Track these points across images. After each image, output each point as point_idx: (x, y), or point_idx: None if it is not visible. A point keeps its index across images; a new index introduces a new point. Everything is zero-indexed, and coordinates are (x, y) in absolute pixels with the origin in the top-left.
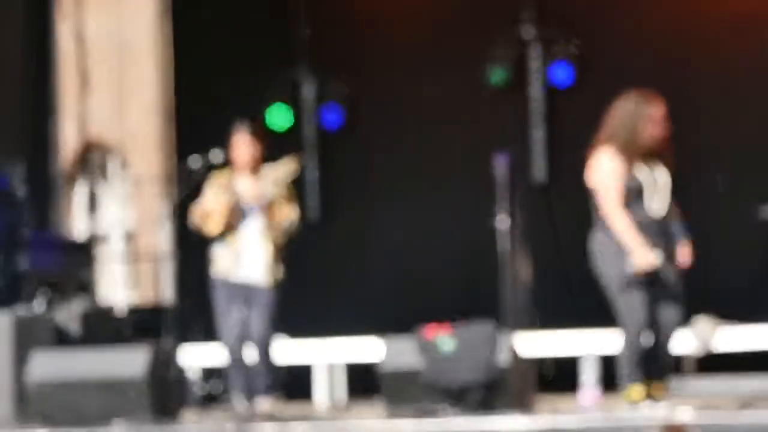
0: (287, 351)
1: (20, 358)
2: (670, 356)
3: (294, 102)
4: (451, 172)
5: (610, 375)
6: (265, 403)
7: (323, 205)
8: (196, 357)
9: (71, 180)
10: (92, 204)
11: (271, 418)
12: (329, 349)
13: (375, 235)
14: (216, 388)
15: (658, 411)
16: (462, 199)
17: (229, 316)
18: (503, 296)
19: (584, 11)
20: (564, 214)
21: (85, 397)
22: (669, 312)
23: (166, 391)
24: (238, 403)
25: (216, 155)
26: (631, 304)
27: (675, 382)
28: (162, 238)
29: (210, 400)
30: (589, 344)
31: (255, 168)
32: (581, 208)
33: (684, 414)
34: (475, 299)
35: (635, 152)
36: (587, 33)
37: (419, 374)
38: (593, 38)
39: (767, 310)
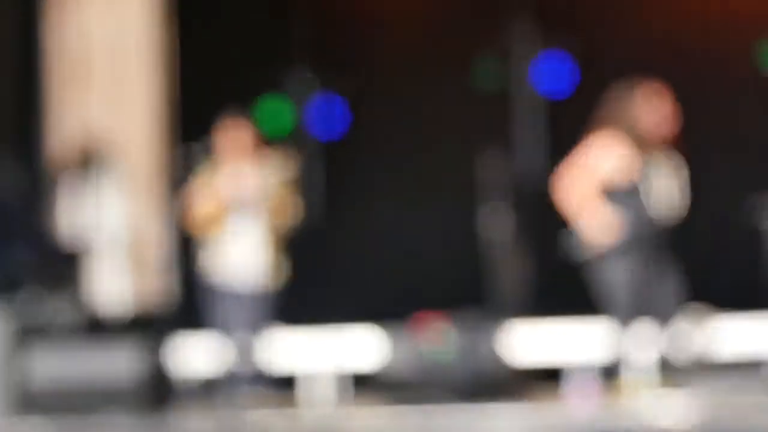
0: (279, 346)
1: (16, 355)
2: (664, 349)
3: (293, 100)
4: (448, 169)
5: (605, 368)
6: (256, 399)
7: (322, 204)
8: (190, 354)
9: (66, 178)
10: (88, 202)
11: (262, 415)
12: (321, 347)
13: (373, 233)
14: (209, 383)
15: (653, 404)
16: (457, 194)
17: (222, 310)
18: (498, 291)
19: (581, 10)
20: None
21: (79, 395)
22: (664, 306)
23: (160, 387)
24: (230, 398)
25: (208, 149)
26: (622, 300)
27: (668, 375)
28: (157, 235)
29: (202, 395)
30: (583, 338)
31: (245, 162)
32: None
33: (678, 407)
34: (470, 293)
35: (632, 139)
36: (583, 32)
37: (413, 364)
38: (589, 37)
39: (756, 303)
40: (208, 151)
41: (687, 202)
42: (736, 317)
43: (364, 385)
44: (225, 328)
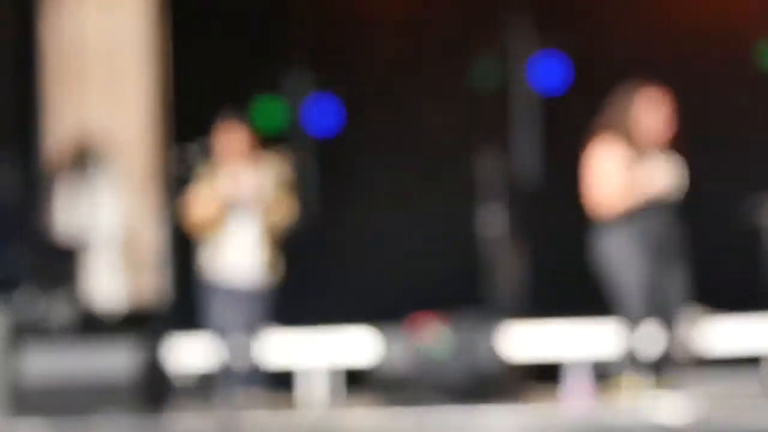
0: (276, 346)
1: (12, 354)
2: (666, 350)
3: (287, 99)
4: (442, 166)
5: (600, 368)
6: (253, 398)
7: (318, 203)
8: (186, 353)
9: (62, 178)
10: (83, 201)
11: (258, 414)
12: (317, 344)
13: (369, 233)
14: (204, 383)
15: (649, 403)
16: (454, 193)
17: (219, 310)
18: (495, 290)
19: (576, 8)
20: (554, 206)
21: (75, 395)
22: (669, 305)
23: (155, 386)
24: (226, 398)
25: (205, 149)
26: (632, 297)
27: (665, 374)
28: (152, 235)
29: (198, 395)
30: (580, 337)
31: (244, 160)
32: (572, 204)
33: (675, 407)
34: (467, 293)
35: (630, 143)
36: (579, 30)
37: (409, 366)
38: (585, 35)
39: (754, 303)
40: (204, 152)
41: (685, 202)
42: (733, 317)
43: (359, 383)
44: (221, 326)
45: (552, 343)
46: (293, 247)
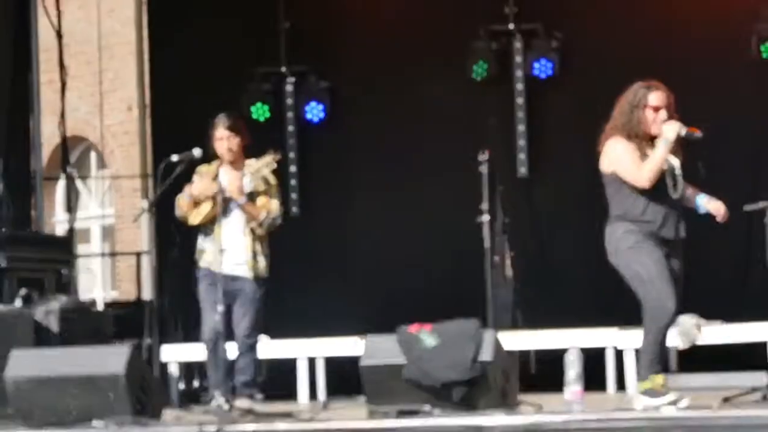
0: (269, 347)
1: None
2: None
3: (273, 97)
4: (432, 167)
5: (594, 372)
6: (245, 401)
7: (303, 200)
8: (176, 354)
9: (50, 176)
10: (71, 200)
11: (251, 415)
12: (310, 346)
13: (356, 231)
14: (196, 385)
15: (645, 402)
16: (444, 195)
17: (211, 311)
18: (486, 292)
19: (565, 4)
20: (546, 208)
21: (65, 395)
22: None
23: (147, 388)
24: (219, 400)
25: (196, 152)
26: (659, 295)
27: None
28: (142, 235)
29: (190, 397)
30: (573, 340)
31: (235, 162)
32: (563, 202)
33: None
34: (458, 295)
35: (638, 141)
36: (569, 26)
37: (401, 371)
38: (575, 31)
39: (749, 309)
40: (192, 154)
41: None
42: (728, 317)
43: (345, 382)
44: (213, 328)
45: (544, 346)
46: (285, 260)
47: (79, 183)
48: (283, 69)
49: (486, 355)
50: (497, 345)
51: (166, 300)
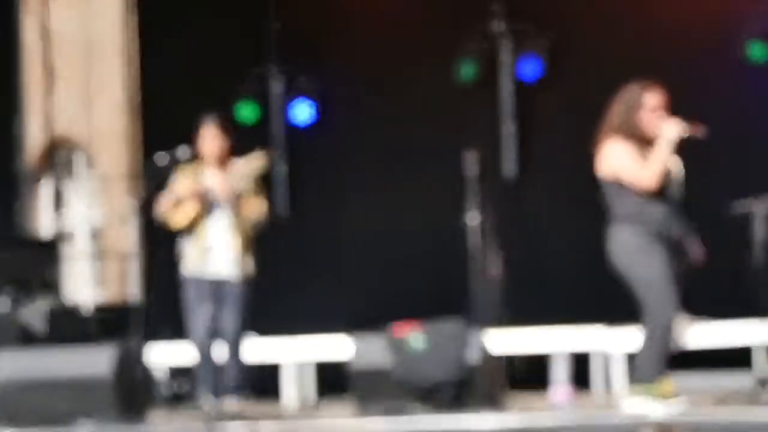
0: (256, 349)
1: None
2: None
3: (263, 97)
4: (421, 167)
5: (581, 372)
6: (233, 402)
7: (292, 200)
8: (163, 356)
9: (37, 177)
10: (58, 201)
11: (239, 417)
12: (298, 347)
13: (344, 231)
14: (184, 387)
15: (633, 403)
16: (432, 195)
17: (198, 312)
18: (474, 293)
19: (554, 5)
20: (534, 209)
21: (51, 397)
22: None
23: (133, 390)
24: (206, 402)
25: (183, 151)
26: (663, 298)
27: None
28: (129, 236)
29: (178, 399)
30: (560, 340)
31: (222, 162)
32: (551, 203)
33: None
34: (445, 296)
35: (636, 141)
36: (557, 27)
37: (389, 372)
38: (563, 32)
39: (740, 307)
40: (179, 153)
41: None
42: (721, 319)
43: (334, 383)
44: (201, 329)
45: (532, 346)
46: (273, 257)
47: (65, 184)
48: (273, 69)
49: (473, 355)
50: (484, 346)
51: (153, 301)
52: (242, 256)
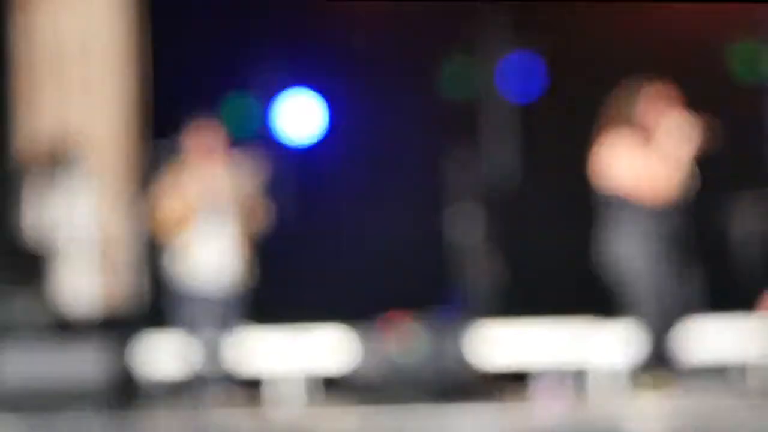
0: (248, 348)
1: None
2: (671, 348)
3: (262, 101)
4: (409, 168)
5: (570, 372)
6: (224, 401)
7: (291, 205)
8: (157, 354)
9: (32, 177)
10: (53, 201)
11: (229, 415)
12: (290, 347)
13: (342, 233)
14: (177, 385)
15: (623, 406)
16: (423, 188)
17: (190, 314)
18: (467, 292)
19: (551, 15)
20: (526, 211)
21: (48, 394)
22: (673, 304)
23: (128, 387)
24: (199, 400)
25: (179, 152)
26: (658, 296)
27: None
28: (127, 235)
29: (170, 398)
30: (552, 339)
31: (215, 163)
32: (543, 196)
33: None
34: (435, 294)
35: (640, 137)
36: (553, 36)
37: (378, 368)
38: (559, 41)
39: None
40: (176, 151)
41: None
42: (712, 321)
43: (332, 385)
44: (193, 328)
45: (524, 345)
46: (267, 249)
47: (61, 184)
48: (273, 76)
49: (464, 353)
50: (474, 342)
51: (148, 297)
52: (238, 258)
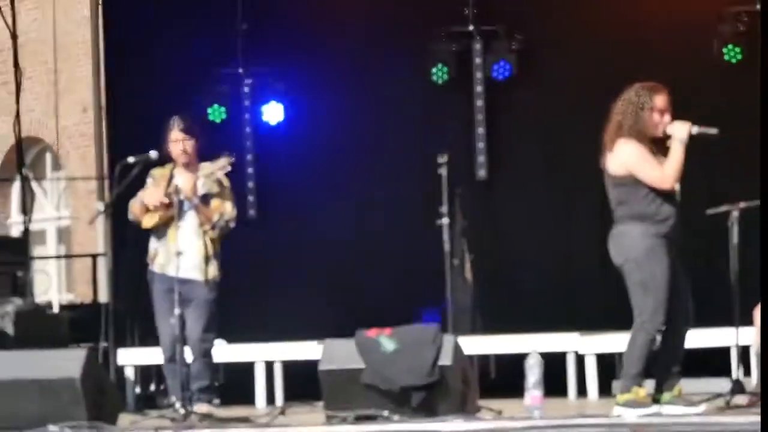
0: (225, 351)
1: None
2: (680, 357)
3: (231, 98)
4: (392, 169)
5: (554, 377)
6: (202, 406)
7: (261, 202)
8: (132, 358)
9: (5, 177)
10: (26, 202)
11: (208, 420)
12: (268, 350)
13: (314, 233)
14: (153, 389)
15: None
16: (403, 197)
17: (166, 314)
18: (446, 295)
19: (526, 8)
20: (506, 210)
21: (20, 399)
22: (681, 312)
23: (103, 393)
24: (176, 405)
25: (152, 152)
26: (658, 305)
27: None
28: (98, 237)
29: (147, 402)
30: (533, 345)
31: (189, 164)
32: (523, 204)
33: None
34: (417, 299)
35: (646, 142)
36: (529, 29)
37: (360, 376)
38: (535, 34)
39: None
40: (148, 155)
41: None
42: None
43: (304, 386)
44: (169, 331)
45: (504, 350)
46: (241, 263)
47: (34, 184)
48: (241, 70)
49: (445, 359)
50: (457, 350)
51: (122, 302)
52: (208, 259)
